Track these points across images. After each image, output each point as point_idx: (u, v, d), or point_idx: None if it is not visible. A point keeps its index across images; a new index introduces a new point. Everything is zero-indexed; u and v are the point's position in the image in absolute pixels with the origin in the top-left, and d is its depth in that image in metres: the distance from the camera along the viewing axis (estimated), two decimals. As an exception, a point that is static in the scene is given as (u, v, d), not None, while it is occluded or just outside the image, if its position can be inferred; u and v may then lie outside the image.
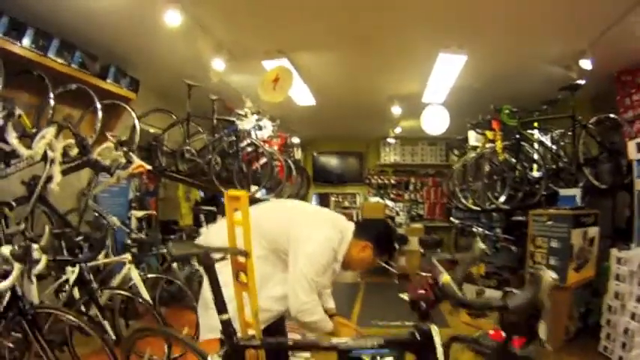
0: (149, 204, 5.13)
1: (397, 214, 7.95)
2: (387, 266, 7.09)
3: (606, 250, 3.75)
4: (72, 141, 3.15)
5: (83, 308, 2.94)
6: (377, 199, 8.38)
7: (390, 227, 2.63)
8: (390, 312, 5.32)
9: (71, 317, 2.45)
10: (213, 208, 5.77)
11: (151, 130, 4.97)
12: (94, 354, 2.65)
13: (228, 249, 1.66)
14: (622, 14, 3.24)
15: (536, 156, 4.32)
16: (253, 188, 4.86)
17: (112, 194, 4.26)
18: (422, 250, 6.94)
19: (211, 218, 5.91)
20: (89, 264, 2.97)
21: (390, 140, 7.87)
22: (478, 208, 4.92)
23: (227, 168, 5.04)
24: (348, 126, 7.37)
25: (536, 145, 4.31)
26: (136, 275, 3.38)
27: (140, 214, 4.46)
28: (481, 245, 3.17)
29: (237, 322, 1.84)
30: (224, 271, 1.77)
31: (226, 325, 1.69)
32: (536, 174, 4.43)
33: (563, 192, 3.74)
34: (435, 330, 1.49)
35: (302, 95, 5.55)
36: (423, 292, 1.47)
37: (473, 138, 5.30)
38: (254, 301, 1.80)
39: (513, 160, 4.34)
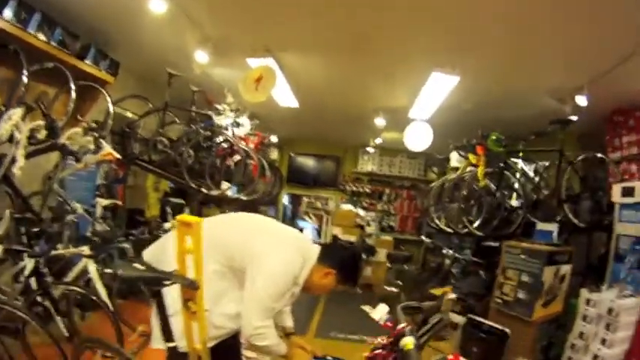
0: (116, 191, 4.89)
1: (368, 224, 7.91)
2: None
3: (576, 285, 3.78)
4: (41, 123, 2.96)
5: (39, 298, 2.80)
6: (349, 206, 8.30)
7: (357, 254, 2.49)
8: (350, 324, 5.26)
9: (21, 314, 2.44)
10: (182, 201, 5.58)
11: (129, 114, 4.77)
12: (47, 344, 2.56)
13: (178, 278, 1.54)
14: (629, 54, 3.18)
15: (516, 185, 4.31)
16: (225, 185, 4.73)
17: (79, 178, 4.04)
18: (389, 265, 6.91)
19: (178, 211, 5.72)
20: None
21: (370, 149, 7.81)
22: (451, 230, 4.89)
23: (200, 161, 4.90)
24: (329, 130, 7.29)
25: (518, 175, 4.30)
26: (93, 270, 3.24)
27: (106, 202, 4.23)
28: (451, 295, 3.09)
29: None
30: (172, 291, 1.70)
31: (173, 354, 1.66)
32: (514, 203, 4.44)
33: (541, 226, 3.74)
34: None
35: (285, 96, 5.40)
36: (382, 353, 1.46)
37: (455, 159, 5.29)
38: (202, 330, 1.71)
39: (494, 187, 4.32)
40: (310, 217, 10.50)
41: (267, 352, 2.11)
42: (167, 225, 4.63)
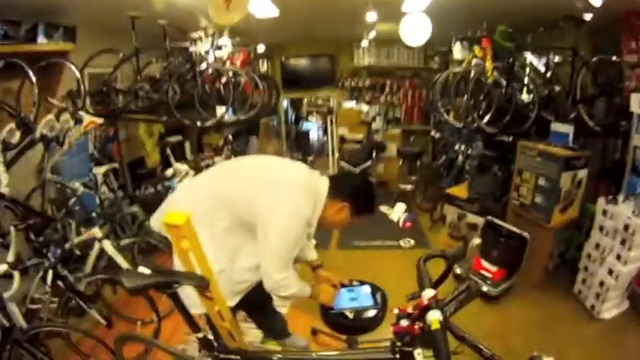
0: (112, 150, 4.76)
1: (373, 119, 7.68)
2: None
3: (591, 189, 3.74)
4: (11, 125, 2.82)
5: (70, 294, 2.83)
6: (352, 103, 8.01)
7: (370, 182, 2.34)
8: (370, 230, 5.36)
9: (61, 329, 2.65)
10: (180, 137, 5.42)
11: (109, 70, 4.41)
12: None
13: (186, 279, 1.49)
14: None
15: (526, 80, 3.99)
16: (220, 110, 4.52)
17: (70, 155, 3.84)
18: (400, 162, 6.84)
19: (179, 151, 5.60)
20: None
21: (364, 43, 7.26)
22: (459, 125, 4.69)
23: (189, 93, 4.64)
24: (318, 30, 6.66)
25: (527, 69, 3.96)
26: (109, 248, 3.19)
27: (103, 169, 4.11)
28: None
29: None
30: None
31: (203, 341, 1.69)
32: (525, 97, 4.16)
33: (555, 126, 3.52)
34: (418, 354, 1.43)
35: (262, 7, 4.85)
36: (407, 326, 1.40)
37: (457, 51, 4.87)
38: (225, 312, 1.72)
39: (503, 82, 4.01)
40: (314, 117, 10.29)
41: (293, 298, 2.17)
42: (169, 172, 4.54)
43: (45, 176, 3.25)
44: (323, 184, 2.08)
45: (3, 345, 2.20)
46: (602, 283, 3.14)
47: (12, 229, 2.52)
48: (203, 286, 1.48)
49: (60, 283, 2.76)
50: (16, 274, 2.25)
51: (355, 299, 2.36)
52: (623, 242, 3.01)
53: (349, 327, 2.30)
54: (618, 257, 3.05)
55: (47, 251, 2.73)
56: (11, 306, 2.27)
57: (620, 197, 3.11)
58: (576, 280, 3.52)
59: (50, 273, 2.71)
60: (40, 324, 2.54)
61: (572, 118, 3.60)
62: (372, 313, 2.27)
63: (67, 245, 2.99)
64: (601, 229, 3.23)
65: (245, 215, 1.97)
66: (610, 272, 3.08)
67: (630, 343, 2.93)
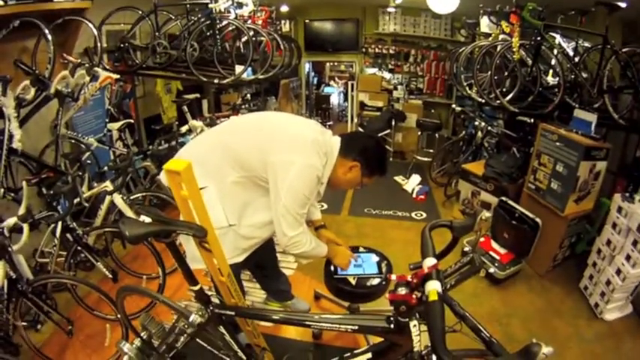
0: (128, 107, 4.75)
1: (395, 87, 7.50)
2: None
3: (608, 183, 3.63)
4: (26, 82, 2.80)
5: (79, 248, 2.90)
6: (374, 70, 7.83)
7: (381, 142, 2.28)
8: (383, 199, 5.39)
9: (67, 281, 2.65)
10: (197, 95, 5.39)
11: (128, 27, 4.41)
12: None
13: (184, 227, 1.47)
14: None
15: (553, 62, 3.82)
16: (238, 68, 4.46)
17: (86, 111, 3.87)
18: (419, 133, 6.72)
19: (197, 109, 5.59)
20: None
21: (390, 9, 7.00)
22: (482, 100, 4.54)
23: (208, 50, 4.61)
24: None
25: (555, 51, 3.77)
26: (119, 202, 3.21)
27: (117, 124, 4.12)
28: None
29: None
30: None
31: (200, 294, 1.66)
32: (550, 80, 3.99)
33: (579, 113, 3.35)
34: (414, 326, 1.42)
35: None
36: (404, 294, 1.35)
37: (485, 25, 4.66)
38: (224, 266, 1.70)
39: (529, 61, 3.85)
40: (336, 82, 10.12)
41: (308, 257, 2.15)
42: (184, 128, 4.55)
43: (59, 131, 3.27)
44: (335, 143, 2.06)
45: (9, 296, 2.25)
46: (608, 282, 3.06)
47: (24, 183, 2.56)
48: (201, 236, 1.46)
49: (69, 236, 2.82)
50: (26, 227, 2.27)
51: (360, 266, 2.40)
52: (634, 244, 2.90)
53: (351, 293, 2.31)
54: (628, 258, 2.94)
55: (57, 204, 2.78)
56: (19, 258, 2.31)
57: (637, 196, 2.97)
58: (583, 276, 3.45)
59: (59, 225, 2.76)
60: (46, 276, 2.61)
61: (596, 107, 3.44)
62: (375, 281, 2.31)
63: (77, 199, 3.03)
64: (614, 226, 3.11)
65: (255, 170, 1.94)
66: (618, 272, 2.99)
67: (628, 348, 2.87)
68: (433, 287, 1.21)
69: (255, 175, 1.95)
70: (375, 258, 2.46)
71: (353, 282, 2.29)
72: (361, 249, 2.54)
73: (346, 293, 2.32)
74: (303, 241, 2.00)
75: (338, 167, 2.05)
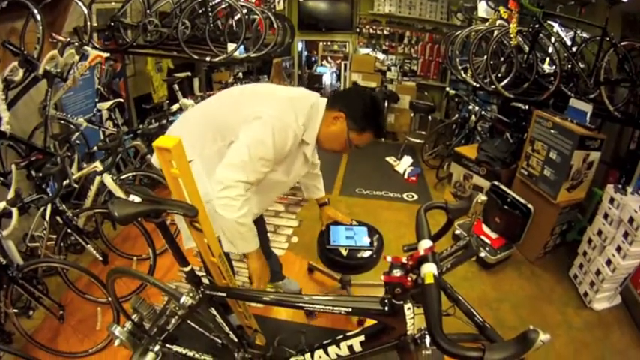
0: (118, 86, 4.66)
1: (389, 68, 7.44)
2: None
3: (601, 173, 3.66)
4: (14, 64, 2.70)
5: (69, 230, 2.85)
6: (368, 50, 7.75)
7: (377, 98, 1.98)
8: (374, 179, 5.44)
9: (57, 264, 2.61)
10: (188, 73, 5.30)
11: (118, 6, 4.33)
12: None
13: (175, 207, 1.42)
14: None
15: (551, 50, 3.80)
16: (231, 46, 4.40)
17: (75, 91, 3.78)
18: (412, 115, 6.70)
19: (188, 87, 5.52)
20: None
21: (387, -11, 6.91)
22: (476, 84, 4.53)
23: (200, 28, 4.56)
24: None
25: (553, 39, 3.73)
26: (109, 182, 3.16)
27: (107, 104, 4.05)
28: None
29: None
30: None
31: (190, 275, 1.63)
32: (547, 68, 3.97)
33: (574, 103, 3.35)
34: (408, 309, 1.42)
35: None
36: (399, 276, 1.33)
37: (482, 9, 4.62)
38: (215, 246, 1.65)
39: (526, 48, 3.85)
40: (329, 62, 10.00)
41: (231, 236, 1.82)
42: (174, 107, 4.48)
43: (48, 112, 3.18)
44: (322, 101, 1.93)
45: (0, 283, 2.23)
46: (598, 272, 3.10)
47: (13, 167, 2.50)
48: (191, 215, 1.41)
49: (58, 218, 2.77)
50: (15, 211, 2.22)
51: (352, 238, 2.48)
52: (625, 235, 2.92)
53: (343, 265, 2.40)
54: (618, 249, 2.97)
55: (47, 187, 2.73)
56: (8, 243, 2.26)
57: (630, 188, 2.99)
58: (573, 264, 3.49)
59: (48, 208, 2.72)
60: (37, 260, 2.56)
61: (591, 98, 3.44)
62: (366, 253, 2.40)
63: (66, 180, 2.99)
64: (605, 216, 3.13)
65: (234, 132, 1.79)
66: (608, 263, 3.03)
67: (616, 338, 2.92)
68: (429, 270, 1.18)
69: (233, 141, 1.81)
70: (365, 231, 2.54)
71: (344, 253, 2.37)
72: (354, 222, 2.59)
73: (338, 264, 2.42)
74: (237, 205, 1.70)
75: (323, 121, 1.89)
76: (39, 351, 2.48)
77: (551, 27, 3.79)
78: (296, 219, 4.20)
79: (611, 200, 3.08)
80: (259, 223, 2.36)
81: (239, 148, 1.71)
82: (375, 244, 2.44)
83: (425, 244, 1.28)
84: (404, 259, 1.36)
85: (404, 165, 5.76)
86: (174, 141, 1.30)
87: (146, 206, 1.40)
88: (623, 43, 3.33)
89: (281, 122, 1.75)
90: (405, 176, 5.54)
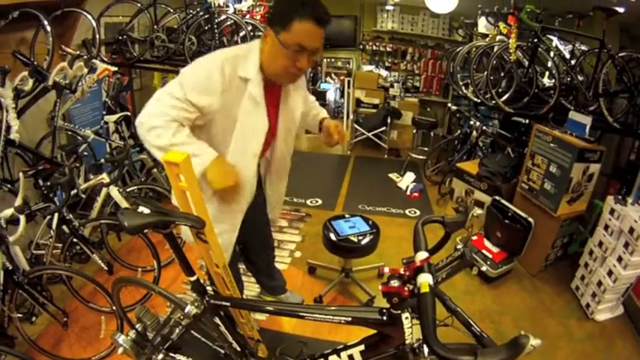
0: (125, 100, 4.74)
1: (391, 85, 7.52)
2: (377, 140, 7.00)
3: (601, 185, 3.68)
4: (24, 74, 2.81)
5: (75, 240, 2.90)
6: (371, 67, 7.85)
7: None
8: (377, 195, 5.45)
9: (62, 272, 2.70)
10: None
11: (126, 20, 4.42)
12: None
13: (182, 219, 1.48)
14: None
15: (550, 64, 3.86)
16: None
17: (83, 103, 3.87)
18: (414, 131, 6.76)
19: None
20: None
21: (389, 7, 7.02)
22: (477, 100, 4.58)
23: (206, 44, 4.60)
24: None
25: (552, 54, 3.80)
26: (115, 194, 3.22)
27: (114, 117, 4.12)
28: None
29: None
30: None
31: (196, 285, 1.67)
32: (546, 81, 4.03)
33: (574, 116, 3.39)
34: (405, 318, 1.44)
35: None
36: (397, 286, 1.35)
37: (483, 25, 4.69)
38: (219, 256, 1.70)
39: (526, 62, 3.90)
40: (332, 78, 10.09)
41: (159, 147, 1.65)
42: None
43: (56, 123, 3.26)
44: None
45: (5, 287, 2.26)
46: (600, 283, 3.10)
47: (21, 174, 2.55)
48: (198, 227, 1.48)
49: (65, 227, 2.82)
50: (22, 218, 2.28)
51: (354, 227, 3.12)
52: (626, 245, 2.93)
53: (357, 249, 3.01)
54: (619, 260, 2.98)
55: (54, 196, 2.79)
56: (15, 249, 2.31)
57: (630, 199, 3.02)
58: (575, 276, 3.50)
59: (55, 217, 2.76)
60: (42, 267, 2.61)
61: (591, 110, 3.49)
62: (370, 236, 3.05)
63: (74, 190, 3.04)
64: (606, 227, 3.15)
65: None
66: (609, 273, 3.04)
67: (619, 349, 2.91)
68: (425, 279, 1.23)
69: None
70: (361, 219, 3.23)
71: (355, 240, 2.99)
72: (346, 215, 3.30)
73: (353, 250, 3.03)
74: (166, 128, 1.63)
75: (260, 51, 1.79)
76: (41, 356, 2.50)
77: (550, 41, 3.85)
78: (299, 234, 4.24)
79: (612, 211, 3.10)
80: (266, 240, 2.43)
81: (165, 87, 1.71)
82: (372, 224, 3.17)
83: (421, 255, 1.33)
84: (401, 271, 1.40)
85: (406, 181, 5.79)
86: (182, 155, 1.36)
87: (155, 217, 1.45)
88: (621, 54, 3.38)
89: (204, 59, 1.73)
90: (408, 192, 5.56)
